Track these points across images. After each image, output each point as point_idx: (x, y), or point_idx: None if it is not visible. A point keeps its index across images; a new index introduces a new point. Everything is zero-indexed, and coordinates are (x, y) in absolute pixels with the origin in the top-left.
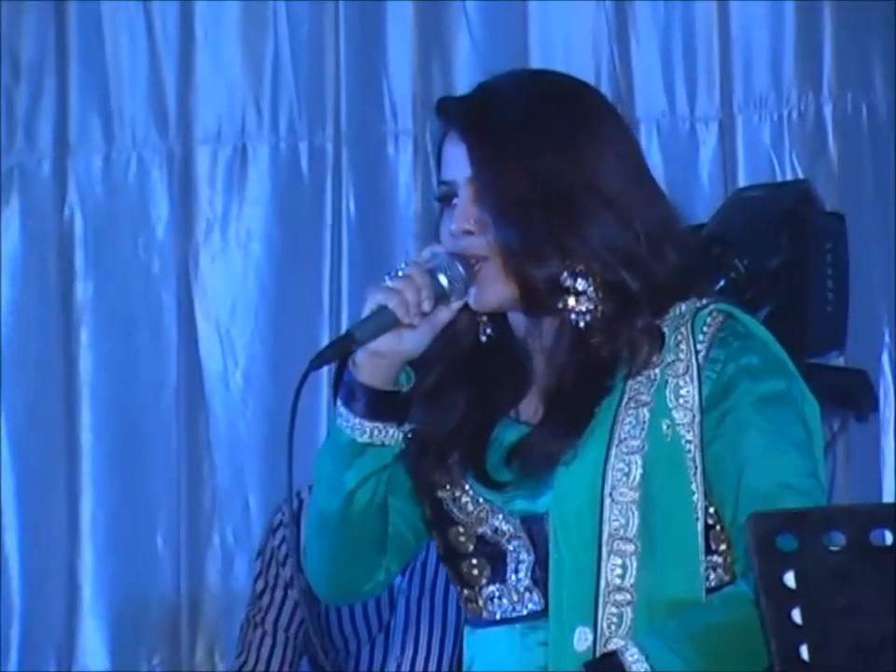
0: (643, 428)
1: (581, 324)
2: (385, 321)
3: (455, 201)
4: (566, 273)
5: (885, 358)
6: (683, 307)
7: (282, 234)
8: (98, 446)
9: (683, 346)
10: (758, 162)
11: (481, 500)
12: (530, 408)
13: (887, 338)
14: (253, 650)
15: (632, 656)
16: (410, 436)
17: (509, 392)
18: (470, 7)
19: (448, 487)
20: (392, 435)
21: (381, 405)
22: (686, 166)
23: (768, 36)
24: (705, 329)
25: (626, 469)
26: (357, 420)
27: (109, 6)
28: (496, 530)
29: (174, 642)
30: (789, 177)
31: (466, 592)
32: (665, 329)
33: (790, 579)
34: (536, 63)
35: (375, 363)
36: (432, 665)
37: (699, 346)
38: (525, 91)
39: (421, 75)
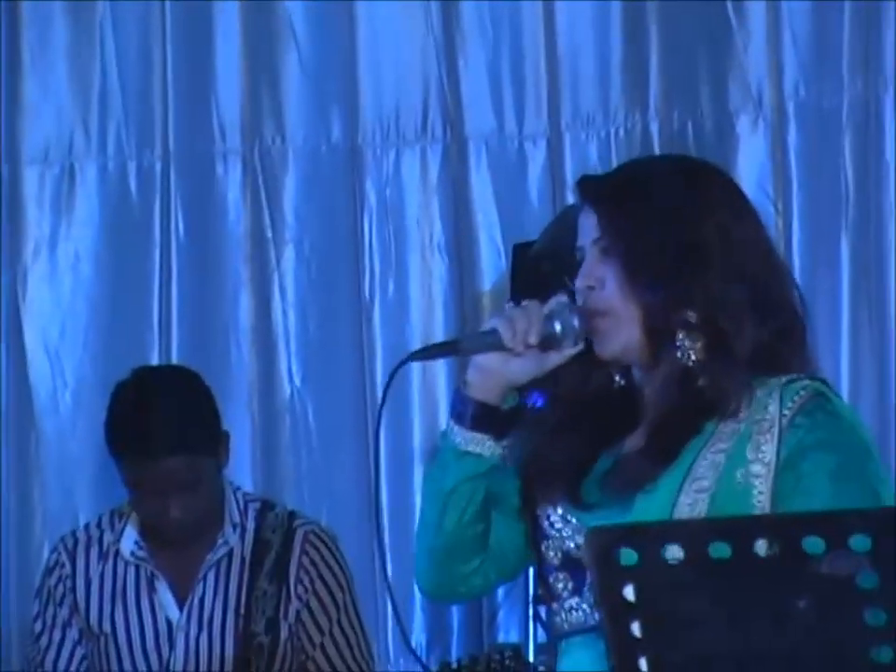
0: (716, 472)
1: (689, 363)
2: (490, 341)
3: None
4: (680, 319)
5: None
6: (783, 378)
7: (111, 255)
8: None
9: (771, 408)
10: None
11: (569, 519)
12: (633, 442)
13: None
14: None
15: None
16: (529, 459)
17: (621, 429)
18: (299, 28)
19: (545, 506)
20: (488, 447)
21: (482, 418)
22: (515, 184)
23: (595, 55)
24: (795, 398)
25: (693, 505)
26: (460, 429)
27: None
28: (578, 547)
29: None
30: None
31: (553, 606)
32: (758, 390)
33: (629, 592)
34: (365, 82)
35: (482, 379)
36: None
37: (786, 411)
38: (649, 169)
39: (249, 94)
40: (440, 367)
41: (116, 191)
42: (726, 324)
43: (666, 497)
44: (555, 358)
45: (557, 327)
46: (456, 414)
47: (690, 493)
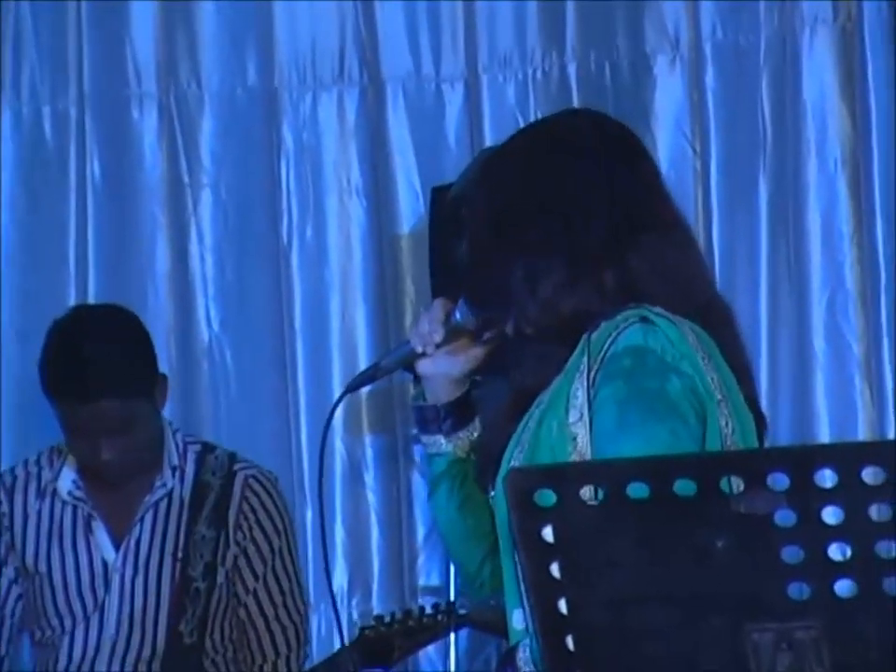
0: (529, 432)
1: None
2: (404, 351)
3: None
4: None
5: None
6: (601, 323)
7: (26, 200)
8: None
9: (585, 356)
10: (504, 122)
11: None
12: None
13: None
14: None
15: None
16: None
17: None
18: None
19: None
20: (442, 444)
21: (430, 421)
22: (432, 127)
23: None
24: (614, 333)
25: (513, 465)
26: (423, 437)
27: None
28: None
29: None
30: None
31: None
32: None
33: (548, 533)
34: (280, 26)
35: (428, 386)
36: (147, 644)
37: (598, 355)
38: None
39: (164, 37)
40: (359, 310)
41: (31, 137)
42: (509, 306)
43: (506, 465)
44: (479, 349)
45: (457, 316)
46: (417, 426)
47: (514, 454)
